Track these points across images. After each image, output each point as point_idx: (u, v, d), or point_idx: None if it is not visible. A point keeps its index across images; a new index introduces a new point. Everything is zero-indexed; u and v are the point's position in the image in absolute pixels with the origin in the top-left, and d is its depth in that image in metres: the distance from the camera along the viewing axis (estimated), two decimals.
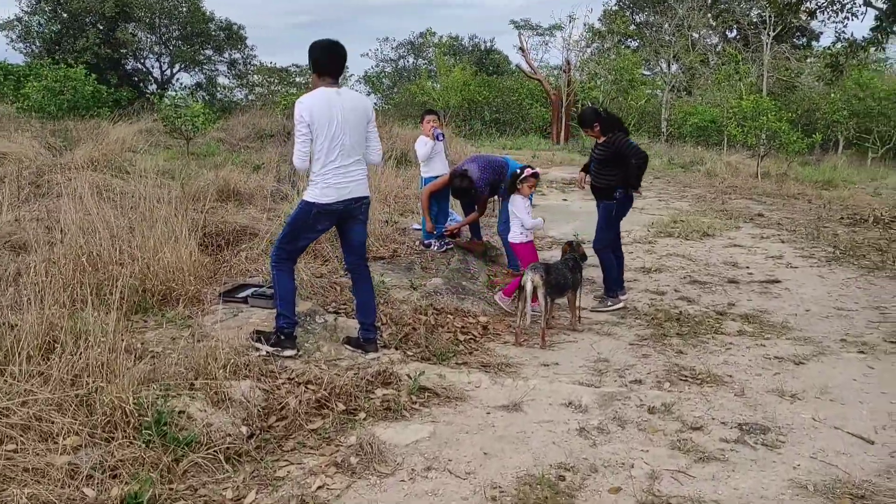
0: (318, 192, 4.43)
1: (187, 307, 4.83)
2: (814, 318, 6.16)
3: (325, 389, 4.07)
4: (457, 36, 43.35)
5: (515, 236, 6.42)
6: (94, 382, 3.42)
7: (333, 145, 4.39)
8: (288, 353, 4.47)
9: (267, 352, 4.44)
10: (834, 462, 3.58)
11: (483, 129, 29.35)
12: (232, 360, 4.00)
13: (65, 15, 30.81)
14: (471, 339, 5.44)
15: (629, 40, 35.50)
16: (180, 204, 6.08)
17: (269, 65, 37.61)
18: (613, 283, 6.46)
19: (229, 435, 3.47)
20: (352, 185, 4.53)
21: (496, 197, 7.33)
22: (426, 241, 7.29)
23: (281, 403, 3.87)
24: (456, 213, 7.96)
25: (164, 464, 3.09)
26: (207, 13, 34.93)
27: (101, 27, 31.01)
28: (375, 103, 40.88)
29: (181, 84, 36.59)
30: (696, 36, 32.03)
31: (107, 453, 3.08)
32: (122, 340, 3.92)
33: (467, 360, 4.91)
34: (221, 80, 37.60)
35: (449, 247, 7.37)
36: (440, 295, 6.13)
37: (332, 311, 5.34)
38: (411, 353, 4.89)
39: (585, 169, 6.74)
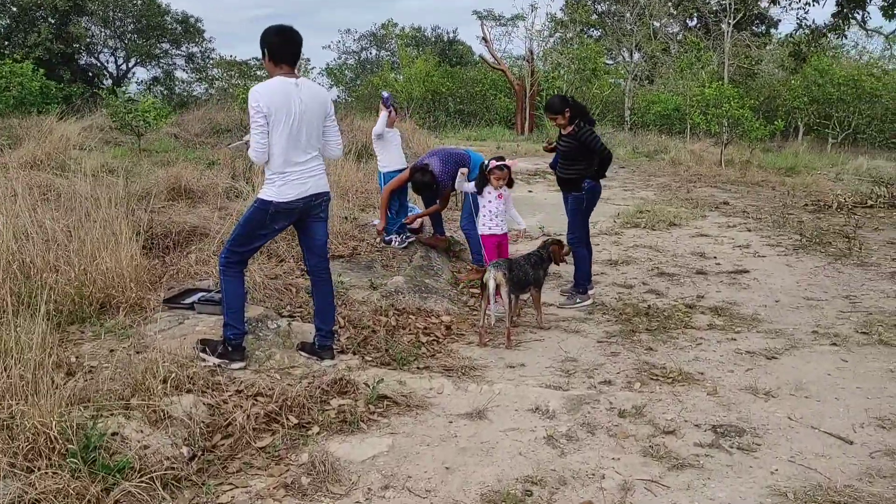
0: (275, 190, 4.15)
1: (128, 315, 4.52)
2: (784, 309, 6.03)
3: (275, 402, 3.80)
4: (419, 27, 43.04)
5: (483, 228, 6.19)
6: (16, 405, 3.11)
7: (291, 139, 4.12)
8: (236, 365, 4.18)
9: (214, 363, 4.15)
10: (813, 465, 3.41)
11: (447, 120, 29.10)
12: (173, 374, 3.71)
13: (14, 9, 29.82)
14: (433, 340, 5.20)
15: (591, 29, 35.49)
16: (123, 204, 5.73)
17: (228, 58, 36.92)
18: (584, 279, 6.27)
19: (168, 458, 3.19)
20: (311, 181, 4.26)
21: (457, 190, 7.08)
22: (386, 238, 7.03)
23: (227, 419, 3.59)
24: (417, 208, 7.70)
25: (93, 494, 2.81)
26: (163, 6, 34.16)
27: (53, 21, 30.08)
28: (338, 96, 40.41)
29: (138, 79, 35.83)
30: (658, 24, 32.08)
31: (28, 485, 2.79)
32: (52, 355, 3.61)
33: (429, 364, 4.66)
34: (179, 74, 36.84)
35: (410, 241, 7.11)
36: (402, 294, 5.88)
37: (286, 316, 5.06)
38: (370, 359, 4.63)
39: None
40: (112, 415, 3.32)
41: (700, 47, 25.36)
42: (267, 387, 3.96)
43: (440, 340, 5.22)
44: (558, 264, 5.88)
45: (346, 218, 7.67)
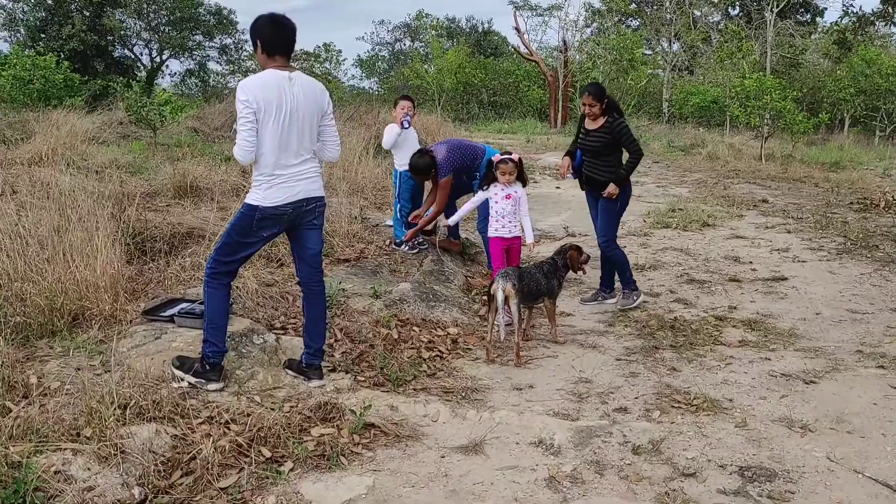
0: (262, 194, 3.78)
1: (103, 329, 4.19)
2: (825, 323, 5.51)
3: (249, 431, 3.44)
4: (453, 17, 42.55)
5: (490, 230, 5.72)
6: None
7: (282, 139, 3.75)
8: (212, 386, 3.83)
9: (189, 383, 3.81)
10: None
11: (480, 112, 28.63)
12: (135, 400, 3.36)
13: (50, 2, 30.03)
14: (436, 356, 4.80)
15: (629, 19, 34.62)
16: (112, 204, 5.43)
17: None
18: (630, 279, 5.96)
19: (115, 501, 2.84)
20: (302, 184, 3.88)
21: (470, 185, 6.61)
22: (398, 241, 6.63)
23: (192, 452, 3.23)
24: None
25: None
26: None
27: (87, 14, 30.22)
28: (370, 87, 40.18)
29: (171, 71, 35.97)
30: (698, 13, 31.15)
31: None
32: (2, 377, 3.29)
33: (427, 385, 4.26)
34: (213, 66, 36.88)
35: (423, 246, 6.71)
36: (407, 303, 5.48)
37: (277, 328, 4.69)
38: (363, 379, 4.25)
39: (571, 154, 6.04)
40: (59, 449, 2.99)
41: (742, 36, 24.48)
42: (242, 413, 3.60)
43: (444, 356, 4.81)
44: (576, 272, 5.42)
45: (355, 218, 7.29)
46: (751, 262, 7.26)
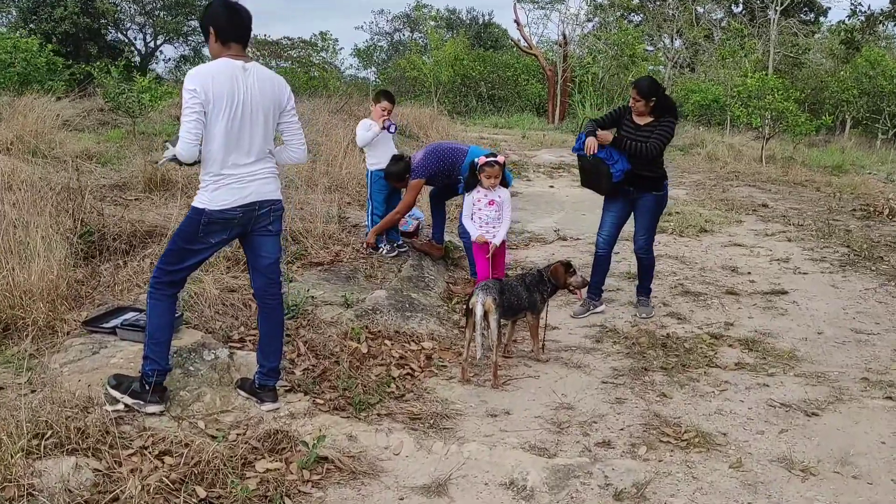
0: (209, 196, 3.40)
1: (37, 341, 3.81)
2: (828, 343, 5.14)
3: (185, 464, 3.06)
4: (454, 9, 42.00)
5: (472, 233, 5.36)
6: None
7: (232, 135, 3.37)
8: (151, 408, 3.45)
9: (125, 405, 3.43)
10: None
11: (477, 106, 28.17)
12: (56, 428, 2.98)
13: None
14: (407, 374, 4.42)
15: (631, 14, 34.15)
16: (66, 199, 5.04)
17: (261, 38, 36.28)
18: (650, 285, 5.80)
19: None
20: (253, 185, 3.50)
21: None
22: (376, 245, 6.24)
23: (115, 492, 2.85)
24: (418, 210, 6.88)
25: None
26: None
27: None
28: (367, 77, 39.63)
29: (165, 56, 35.45)
30: (701, 10, 30.67)
31: None
32: None
33: (393, 411, 3.88)
34: (208, 52, 36.34)
35: (403, 249, 6.32)
36: (380, 313, 5.10)
37: (235, 341, 4.32)
38: (323, 402, 3.87)
39: (594, 134, 5.29)
40: None
41: (744, 34, 24.07)
42: (181, 442, 3.23)
43: (415, 374, 4.44)
44: (565, 289, 4.92)
45: (335, 217, 6.89)
46: (749, 273, 6.88)
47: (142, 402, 3.43)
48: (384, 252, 6.16)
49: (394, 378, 4.29)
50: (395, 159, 5.96)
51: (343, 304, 5.10)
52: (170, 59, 36.09)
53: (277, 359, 3.75)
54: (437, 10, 41.56)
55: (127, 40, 33.87)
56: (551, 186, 11.68)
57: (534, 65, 28.40)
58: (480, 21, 41.79)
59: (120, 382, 3.47)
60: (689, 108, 22.89)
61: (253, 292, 3.84)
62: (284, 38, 37.11)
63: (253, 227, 3.58)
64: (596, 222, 5.76)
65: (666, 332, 5.28)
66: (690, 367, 4.64)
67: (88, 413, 3.28)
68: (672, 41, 31.18)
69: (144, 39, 34.44)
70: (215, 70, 3.34)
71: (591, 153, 5.24)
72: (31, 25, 28.92)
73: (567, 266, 4.81)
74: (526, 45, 27.12)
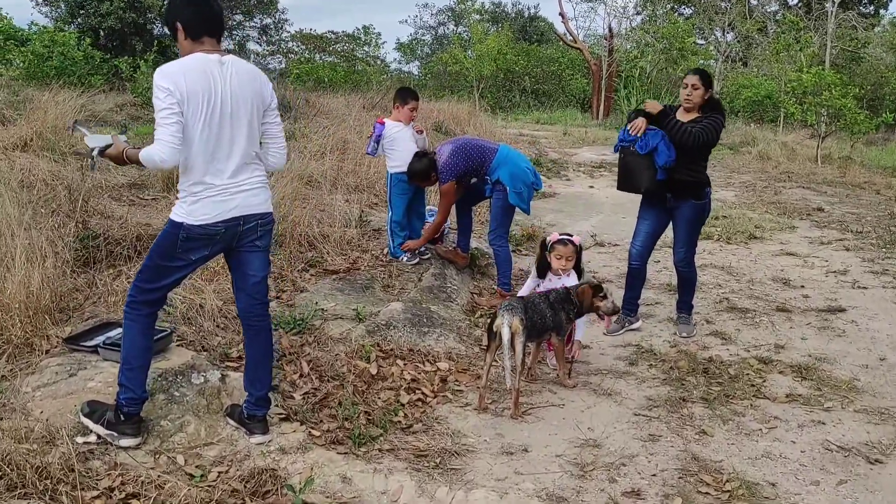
0: (186, 209, 3.06)
1: (12, 360, 3.51)
2: (891, 372, 4.60)
3: None
4: (499, 2, 41.45)
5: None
6: None
7: (212, 137, 3.02)
8: (125, 442, 3.12)
9: (98, 437, 3.11)
10: None
11: (521, 100, 27.66)
12: (10, 467, 2.66)
13: None
14: (418, 399, 4.03)
15: (682, 7, 33.20)
16: (67, 201, 4.76)
17: (308, 31, 36.25)
18: (691, 301, 5.34)
19: None
20: (239, 197, 3.14)
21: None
22: (392, 253, 5.84)
23: None
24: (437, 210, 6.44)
25: None
26: None
27: None
28: (411, 71, 39.33)
29: None
30: (755, 2, 29.62)
31: None
32: None
33: (397, 445, 3.49)
34: (253, 46, 36.43)
35: (425, 256, 5.92)
36: (394, 328, 4.72)
37: (232, 359, 3.97)
38: (319, 433, 3.49)
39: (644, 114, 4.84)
40: None
41: (800, 27, 23.04)
42: (153, 482, 2.89)
43: (427, 400, 4.04)
44: (595, 312, 4.37)
45: (359, 218, 6.51)
46: (803, 287, 6.32)
47: (115, 434, 3.11)
48: (405, 260, 5.77)
49: (402, 405, 3.91)
50: (419, 156, 5.56)
51: (355, 318, 4.73)
52: None
53: (266, 386, 3.39)
54: (482, 3, 41.03)
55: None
56: (591, 187, 11.16)
57: (578, 59, 27.74)
58: (526, 14, 41.19)
59: (93, 410, 3.15)
60: (741, 103, 22.05)
61: (238, 313, 3.48)
62: (329, 32, 37.08)
63: (238, 243, 3.23)
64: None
65: (708, 356, 4.79)
66: (735, 399, 4.15)
67: (54, 446, 2.96)
68: (724, 34, 30.18)
69: None
70: (187, 66, 2.98)
71: (638, 132, 4.75)
72: (78, 20, 29.30)
73: (597, 289, 4.31)
74: (571, 38, 26.46)
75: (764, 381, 4.40)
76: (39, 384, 3.34)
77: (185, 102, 2.93)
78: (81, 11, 29.15)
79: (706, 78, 4.85)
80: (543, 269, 4.57)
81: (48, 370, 3.41)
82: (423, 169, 5.47)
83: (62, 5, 30.08)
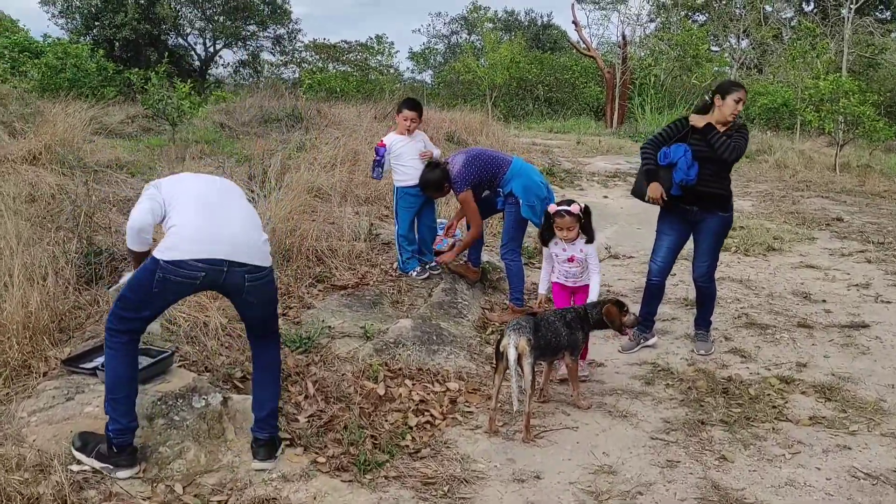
0: (165, 243, 2.95)
1: (9, 383, 3.42)
2: None
3: None
4: (512, 10, 41.41)
5: (554, 276, 4.72)
6: None
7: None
8: (122, 473, 3.00)
9: (92, 469, 2.99)
10: None
11: (534, 109, 27.54)
12: (3, 499, 2.56)
13: None
14: (427, 422, 3.90)
15: (696, 14, 32.99)
16: (72, 216, 4.68)
17: (321, 41, 36.33)
18: (710, 317, 5.16)
19: None
20: (227, 234, 3.01)
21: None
22: (402, 269, 5.72)
23: None
24: (446, 223, 6.33)
25: None
26: None
27: (142, 2, 30.08)
28: (424, 80, 39.28)
29: (224, 61, 35.79)
30: (769, 9, 29.36)
31: None
32: None
33: (403, 472, 3.36)
34: (267, 56, 36.59)
35: (436, 271, 5.80)
36: (403, 346, 4.60)
37: (237, 380, 3.86)
38: (324, 459, 3.37)
39: (656, 177, 4.77)
40: None
41: (816, 34, 22.78)
42: None
43: (435, 422, 3.91)
44: (617, 330, 4.28)
45: (365, 233, 6.40)
46: (824, 301, 6.14)
47: (111, 467, 2.99)
48: (414, 274, 5.65)
49: (410, 428, 3.79)
50: (431, 167, 5.44)
51: (363, 336, 4.61)
52: (228, 63, 36.40)
53: (269, 408, 3.26)
54: (495, 11, 41.03)
55: (187, 45, 34.27)
56: (605, 197, 11.01)
57: (592, 67, 27.59)
58: (539, 22, 41.13)
59: (86, 443, 3.03)
60: (757, 111, 21.82)
61: (247, 332, 3.38)
62: (342, 41, 37.14)
63: (229, 291, 3.15)
64: (652, 237, 5.13)
65: (728, 374, 4.63)
66: (756, 421, 4.00)
67: (48, 475, 2.86)
68: (739, 41, 29.96)
69: (204, 44, 34.79)
70: None
71: (655, 200, 4.75)
72: (93, 32, 29.54)
73: (620, 305, 4.19)
74: (584, 46, 26.32)
75: (786, 403, 4.24)
76: (35, 409, 3.23)
77: None
78: (96, 23, 29.50)
79: (744, 87, 4.75)
80: (546, 238, 4.60)
81: (45, 394, 3.31)
82: (436, 179, 5.36)
83: (77, 17, 30.43)
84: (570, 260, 4.55)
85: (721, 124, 4.66)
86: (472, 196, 5.47)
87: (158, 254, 2.90)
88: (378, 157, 5.53)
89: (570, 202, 4.56)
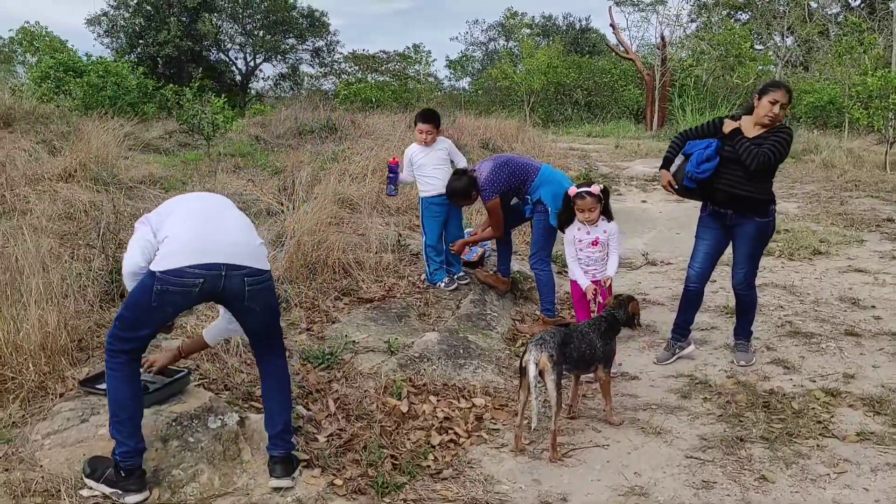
0: (159, 255, 2.89)
1: (25, 404, 3.39)
2: None
3: None
4: (550, 15, 41.13)
5: (571, 272, 4.70)
6: None
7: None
8: (132, 498, 2.93)
9: (103, 494, 2.93)
10: None
11: (573, 113, 27.27)
12: None
13: (148, 8, 30.66)
14: (451, 441, 3.77)
15: (738, 13, 32.34)
16: (99, 234, 4.68)
17: (360, 52, 36.60)
18: (750, 327, 4.92)
19: None
20: (223, 239, 2.94)
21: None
22: (429, 280, 5.62)
23: None
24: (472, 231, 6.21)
25: None
26: (290, 1, 34.12)
27: (184, 19, 30.66)
28: (463, 87, 39.24)
29: (264, 75, 36.25)
30: (815, 5, 28.62)
31: None
32: None
33: (423, 496, 3.24)
34: (306, 68, 36.98)
35: (465, 281, 5.68)
36: (428, 361, 4.48)
37: (256, 399, 3.78)
38: (341, 482, 3.27)
39: (669, 166, 4.76)
40: None
41: (863, 29, 22.09)
42: None
43: (460, 441, 3.78)
44: (634, 329, 4.24)
45: (394, 244, 6.31)
46: (874, 308, 5.85)
47: (120, 492, 2.92)
48: (442, 286, 5.54)
49: (433, 447, 3.66)
50: (458, 174, 5.34)
51: (387, 351, 4.50)
52: (268, 77, 36.88)
53: (278, 424, 3.17)
54: (532, 17, 40.83)
55: (228, 60, 34.80)
56: (644, 201, 10.76)
57: (631, 69, 27.22)
58: (577, 26, 40.81)
59: (94, 469, 2.96)
60: (803, 110, 21.24)
61: (251, 348, 3.30)
62: (381, 51, 37.39)
63: (228, 300, 3.06)
64: (692, 242, 4.94)
65: (769, 387, 4.41)
66: (799, 438, 3.78)
67: (59, 500, 2.80)
68: (783, 39, 29.28)
69: (245, 59, 35.31)
70: None
71: (664, 187, 4.69)
72: (137, 50, 30.21)
73: (637, 303, 4.20)
74: (623, 49, 25.98)
75: (831, 417, 4.01)
76: (49, 431, 3.19)
77: None
78: (140, 41, 30.16)
79: (791, 91, 4.49)
80: (565, 221, 4.63)
81: (59, 416, 3.27)
82: (462, 187, 5.25)
83: (122, 36, 31.16)
84: (594, 243, 4.54)
85: (759, 126, 4.45)
86: (500, 204, 5.35)
87: (154, 266, 2.83)
88: (391, 175, 5.47)
89: (589, 183, 4.57)
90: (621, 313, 4.07)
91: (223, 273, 2.87)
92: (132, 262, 2.96)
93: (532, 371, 3.55)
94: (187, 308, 3.10)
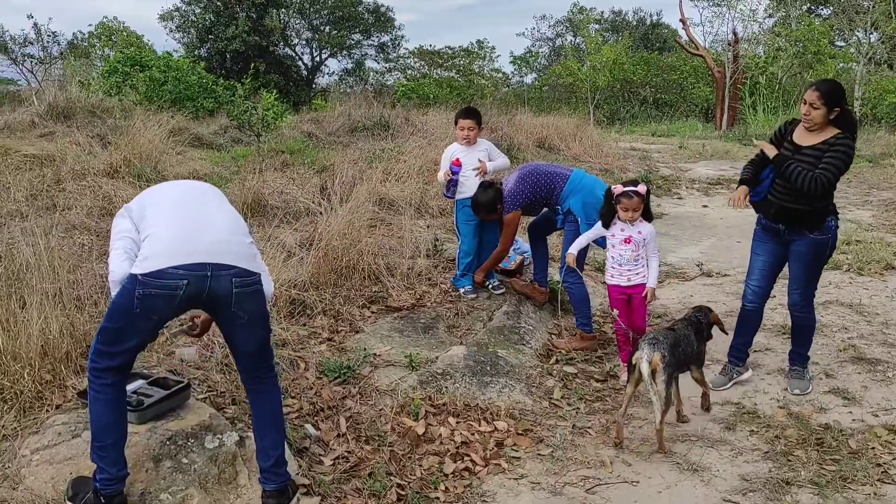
0: (140, 256, 2.68)
1: (20, 416, 3.27)
2: None
3: None
4: (619, 10, 40.31)
5: (608, 276, 4.56)
6: None
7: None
8: None
9: None
10: None
11: (640, 111, 26.56)
12: None
13: (218, 3, 31.21)
14: (465, 469, 3.51)
15: (819, 8, 30.97)
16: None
17: (427, 48, 36.58)
18: (807, 351, 4.54)
19: None
20: (208, 238, 2.71)
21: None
22: (457, 287, 5.38)
23: None
24: (522, 242, 5.94)
25: None
26: None
27: (252, 14, 31.09)
28: (527, 83, 38.75)
29: (329, 70, 36.56)
30: None
31: None
32: None
33: None
34: (371, 63, 37.11)
35: (499, 292, 5.40)
36: (451, 378, 4.22)
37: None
38: None
39: (748, 181, 4.31)
40: None
41: None
42: None
43: (475, 469, 3.51)
44: (709, 339, 4.23)
45: (429, 248, 6.06)
46: None
47: None
48: (462, 292, 5.30)
49: (445, 475, 3.40)
50: (484, 186, 5.09)
51: (408, 366, 4.27)
52: (333, 72, 37.16)
53: (271, 458, 2.94)
54: (601, 12, 40.04)
55: (295, 55, 35.16)
56: (704, 206, 10.23)
57: (701, 66, 26.32)
58: (648, 22, 39.86)
59: (77, 492, 2.79)
60: (884, 110, 20.17)
61: (240, 373, 3.08)
62: (446, 47, 37.28)
63: (216, 308, 2.80)
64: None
65: (825, 421, 4.00)
66: (854, 483, 3.38)
67: None
68: (867, 35, 27.86)
69: (311, 54, 35.61)
70: None
71: (736, 206, 4.27)
72: (207, 45, 30.79)
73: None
74: (693, 45, 25.11)
75: (893, 460, 3.59)
76: (39, 446, 3.06)
77: None
78: (210, 36, 30.70)
79: (829, 95, 3.96)
80: (608, 219, 4.46)
81: (51, 430, 3.13)
82: (488, 201, 5.00)
83: (193, 31, 31.81)
84: (627, 241, 4.38)
85: (807, 129, 4.06)
86: (520, 217, 5.08)
87: (135, 269, 2.62)
88: (454, 177, 5.20)
89: (635, 182, 4.40)
90: (703, 317, 4.12)
91: (209, 273, 2.64)
92: (120, 270, 2.71)
93: (645, 370, 3.58)
94: (173, 317, 2.89)
